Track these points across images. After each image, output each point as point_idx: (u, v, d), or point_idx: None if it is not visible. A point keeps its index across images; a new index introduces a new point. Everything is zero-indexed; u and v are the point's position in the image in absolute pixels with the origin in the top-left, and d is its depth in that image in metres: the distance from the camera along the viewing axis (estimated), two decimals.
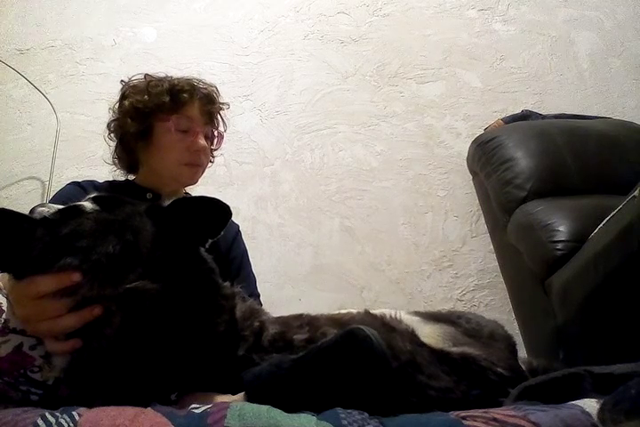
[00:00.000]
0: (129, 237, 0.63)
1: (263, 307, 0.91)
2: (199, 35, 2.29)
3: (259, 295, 1.29)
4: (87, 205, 0.67)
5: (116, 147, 1.28)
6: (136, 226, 0.65)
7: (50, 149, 2.02)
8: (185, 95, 1.21)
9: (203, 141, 1.22)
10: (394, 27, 2.30)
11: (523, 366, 0.77)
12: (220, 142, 1.33)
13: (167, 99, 1.19)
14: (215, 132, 1.30)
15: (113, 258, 0.61)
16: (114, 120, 1.26)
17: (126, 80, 1.27)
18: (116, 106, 1.25)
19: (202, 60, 2.22)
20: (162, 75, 1.25)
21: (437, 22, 2.31)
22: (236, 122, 2.10)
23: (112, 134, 1.27)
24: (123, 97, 1.25)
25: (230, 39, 2.28)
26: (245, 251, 1.36)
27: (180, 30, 2.30)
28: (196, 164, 1.23)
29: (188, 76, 1.27)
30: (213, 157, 1.37)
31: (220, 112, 1.32)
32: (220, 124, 1.33)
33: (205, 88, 1.27)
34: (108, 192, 1.05)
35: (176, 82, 1.23)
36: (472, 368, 0.68)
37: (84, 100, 2.13)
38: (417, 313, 0.85)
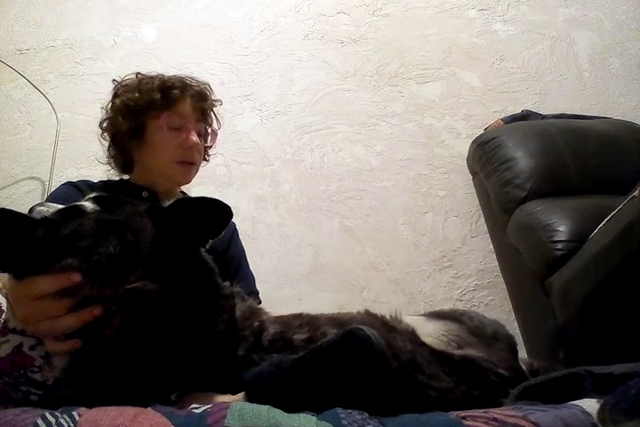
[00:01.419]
0: (129, 237, 0.63)
1: (262, 306, 0.91)
2: (199, 35, 2.29)
3: (258, 293, 1.29)
4: (88, 205, 0.67)
5: (109, 146, 1.28)
6: (137, 226, 0.65)
7: (50, 149, 2.02)
8: (176, 91, 1.20)
9: (195, 138, 1.21)
10: (394, 27, 2.30)
11: (523, 367, 0.77)
12: (213, 140, 1.31)
13: (158, 96, 1.19)
14: (209, 130, 1.29)
15: (113, 258, 0.60)
16: (106, 119, 1.26)
17: (118, 80, 1.27)
18: (109, 105, 1.25)
19: (202, 60, 2.22)
20: (155, 73, 1.25)
21: (437, 22, 2.31)
22: (235, 122, 2.10)
23: (105, 133, 1.27)
24: (114, 96, 1.25)
25: (230, 39, 2.28)
26: (243, 249, 1.36)
27: (180, 30, 2.30)
28: (189, 161, 1.22)
29: (181, 74, 1.27)
30: (208, 155, 1.37)
31: (214, 109, 1.31)
32: (214, 121, 1.32)
33: (198, 85, 1.26)
34: (103, 192, 1.05)
35: (167, 79, 1.22)
36: (473, 369, 0.68)
37: (84, 100, 2.13)
38: (420, 314, 0.85)
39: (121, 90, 1.24)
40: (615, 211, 1.07)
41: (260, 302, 1.26)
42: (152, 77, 1.23)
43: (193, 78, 1.27)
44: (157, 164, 1.22)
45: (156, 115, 1.19)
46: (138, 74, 1.26)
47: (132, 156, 1.26)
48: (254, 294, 1.27)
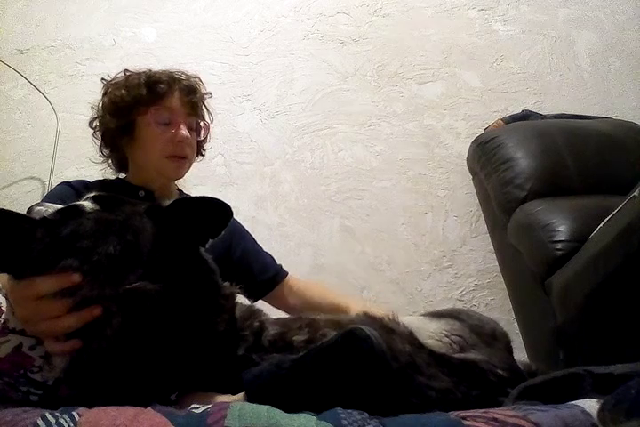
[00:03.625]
0: (129, 237, 0.63)
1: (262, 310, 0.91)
2: (199, 35, 2.29)
3: (280, 267, 1.31)
4: (87, 204, 0.67)
5: (101, 145, 1.27)
6: (136, 226, 0.65)
7: (50, 149, 2.01)
8: (162, 86, 1.18)
9: (185, 132, 1.18)
10: (394, 27, 2.30)
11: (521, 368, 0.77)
12: (206, 133, 1.29)
13: (144, 91, 1.17)
14: (201, 123, 1.27)
15: (113, 259, 0.60)
16: (95, 118, 1.25)
17: (108, 79, 1.26)
18: (99, 104, 1.24)
19: (202, 60, 2.22)
20: (144, 70, 1.23)
21: (437, 22, 2.31)
22: (236, 122, 2.10)
23: (97, 133, 1.26)
24: (104, 94, 1.24)
25: (230, 39, 2.28)
26: (250, 239, 1.33)
27: (180, 30, 2.30)
28: (180, 155, 1.20)
29: (170, 68, 1.25)
30: (204, 149, 1.35)
31: (206, 103, 1.30)
32: (206, 114, 1.31)
33: (187, 79, 1.24)
34: (100, 191, 1.05)
35: (153, 74, 1.21)
36: (472, 370, 0.68)
37: (84, 100, 2.09)
38: (420, 314, 0.85)
39: (110, 88, 1.23)
40: (615, 211, 1.07)
41: (287, 274, 1.29)
42: (139, 73, 1.22)
43: (182, 72, 1.25)
44: (149, 160, 1.20)
45: (143, 110, 1.17)
46: (126, 71, 1.25)
47: (125, 153, 1.26)
48: (278, 269, 1.29)
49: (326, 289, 1.30)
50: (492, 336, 0.78)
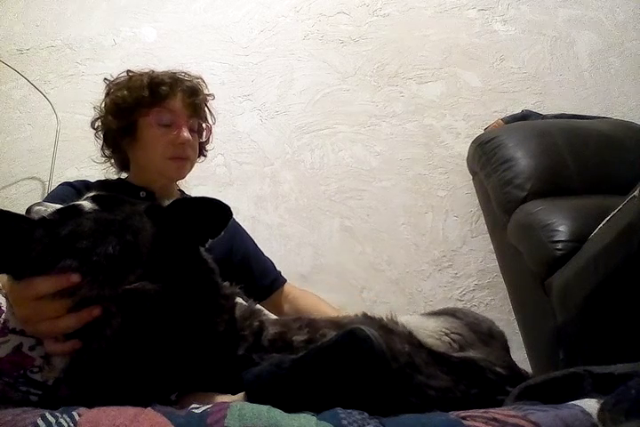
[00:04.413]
0: (129, 237, 0.63)
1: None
2: (199, 35, 2.29)
3: (279, 272, 1.33)
4: (86, 204, 0.67)
5: (103, 145, 1.27)
6: (136, 226, 0.65)
7: (50, 149, 2.02)
8: (164, 88, 1.18)
9: (187, 134, 1.18)
10: (394, 27, 2.30)
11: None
12: (208, 135, 1.30)
13: (146, 93, 1.17)
14: (203, 125, 1.27)
15: (113, 259, 0.60)
16: (97, 118, 1.25)
17: (111, 79, 1.26)
18: (102, 104, 1.24)
19: (202, 60, 2.22)
20: (147, 70, 1.23)
21: (437, 22, 2.31)
22: (236, 122, 2.10)
23: (99, 133, 1.26)
24: (106, 95, 1.24)
25: (230, 39, 2.28)
26: (249, 245, 1.34)
27: (180, 30, 2.30)
28: (182, 157, 1.20)
29: (174, 69, 1.25)
30: (206, 150, 1.35)
31: (208, 104, 1.30)
32: (208, 116, 1.31)
33: (190, 80, 1.24)
34: (101, 191, 1.05)
35: (156, 75, 1.21)
36: (471, 368, 0.68)
37: (84, 100, 2.12)
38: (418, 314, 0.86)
39: (112, 89, 1.23)
40: (615, 211, 1.07)
41: (285, 281, 1.31)
42: (142, 74, 1.22)
43: (186, 73, 1.25)
44: (150, 161, 1.21)
45: (145, 112, 1.18)
46: (129, 71, 1.24)
47: (127, 154, 1.26)
48: (277, 276, 1.31)
49: (320, 300, 1.30)
50: (488, 335, 0.78)
